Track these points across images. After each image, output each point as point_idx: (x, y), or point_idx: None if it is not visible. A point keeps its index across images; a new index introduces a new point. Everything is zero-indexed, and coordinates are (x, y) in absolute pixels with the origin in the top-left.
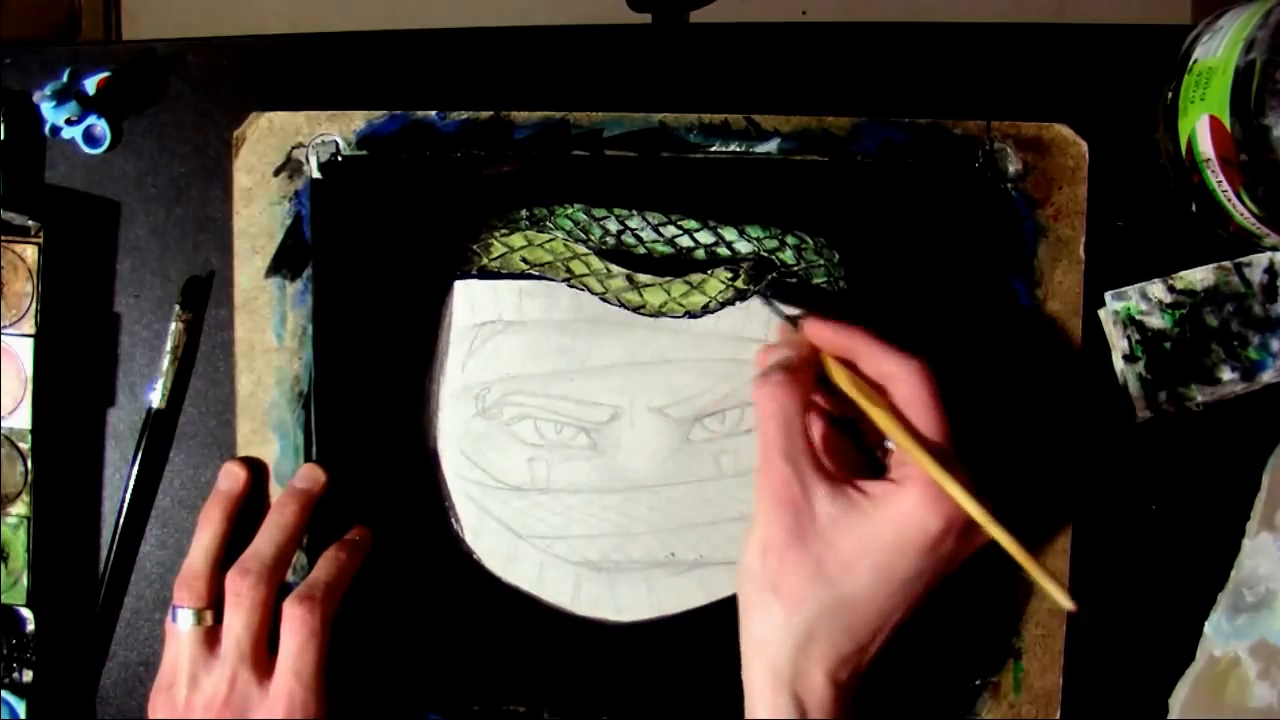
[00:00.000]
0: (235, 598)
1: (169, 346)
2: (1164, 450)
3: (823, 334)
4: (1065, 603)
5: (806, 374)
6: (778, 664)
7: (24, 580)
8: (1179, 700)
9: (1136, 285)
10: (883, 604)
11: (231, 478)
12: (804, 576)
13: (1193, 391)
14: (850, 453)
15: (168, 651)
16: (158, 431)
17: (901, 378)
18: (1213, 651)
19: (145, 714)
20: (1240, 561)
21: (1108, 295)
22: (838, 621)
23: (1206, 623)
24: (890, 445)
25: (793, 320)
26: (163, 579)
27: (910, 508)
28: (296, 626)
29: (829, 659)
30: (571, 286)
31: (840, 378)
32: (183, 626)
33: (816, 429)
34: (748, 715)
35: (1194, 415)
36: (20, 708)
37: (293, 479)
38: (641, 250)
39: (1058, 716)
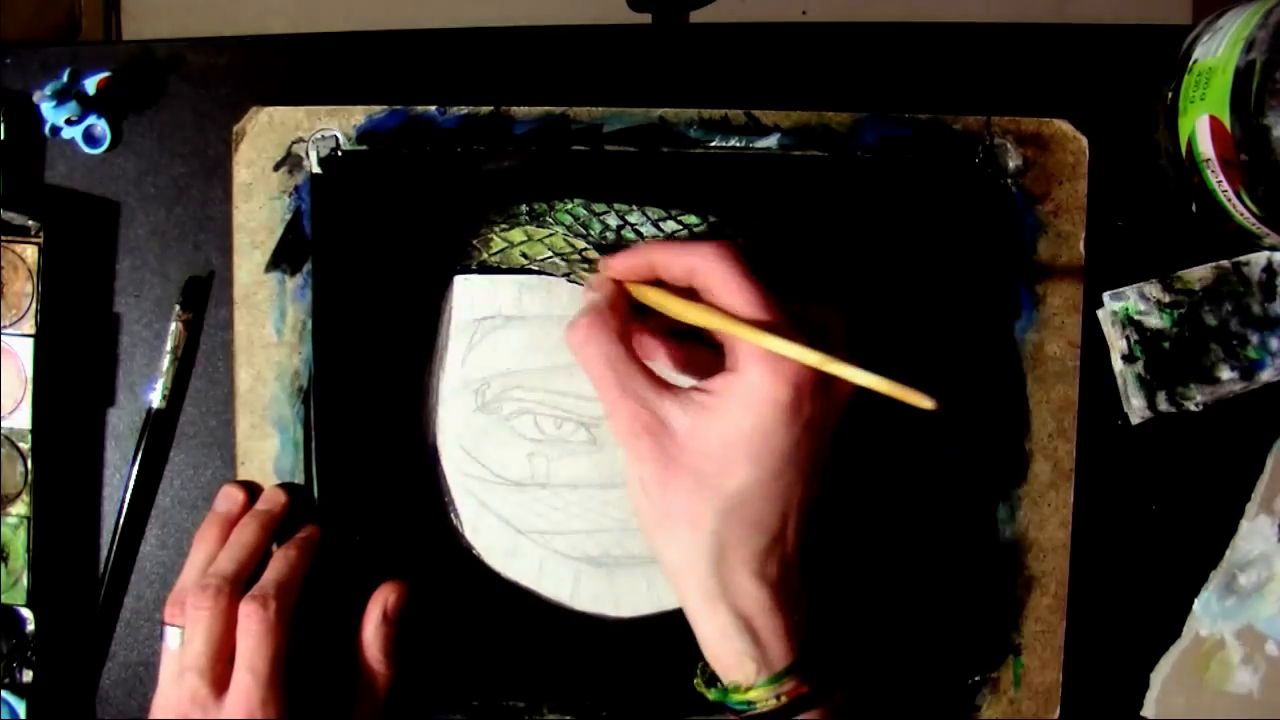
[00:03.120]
0: (195, 612)
1: (169, 346)
2: (1164, 450)
3: (618, 264)
4: (924, 402)
5: (616, 308)
6: (705, 585)
7: (24, 580)
8: (1160, 676)
9: (1134, 285)
10: (774, 487)
11: (229, 500)
12: (689, 493)
13: (1192, 391)
14: (705, 357)
15: (160, 673)
16: (158, 431)
17: (701, 267)
18: (1199, 630)
19: (146, 715)
20: (1235, 542)
21: (1106, 295)
22: (740, 521)
23: (1196, 600)
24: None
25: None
26: (163, 579)
27: (754, 386)
28: (249, 624)
29: (749, 560)
30: (571, 281)
31: (647, 297)
32: (171, 645)
33: (662, 352)
34: (702, 649)
35: (1193, 415)
36: (20, 708)
37: (257, 502)
38: None
39: (1057, 713)
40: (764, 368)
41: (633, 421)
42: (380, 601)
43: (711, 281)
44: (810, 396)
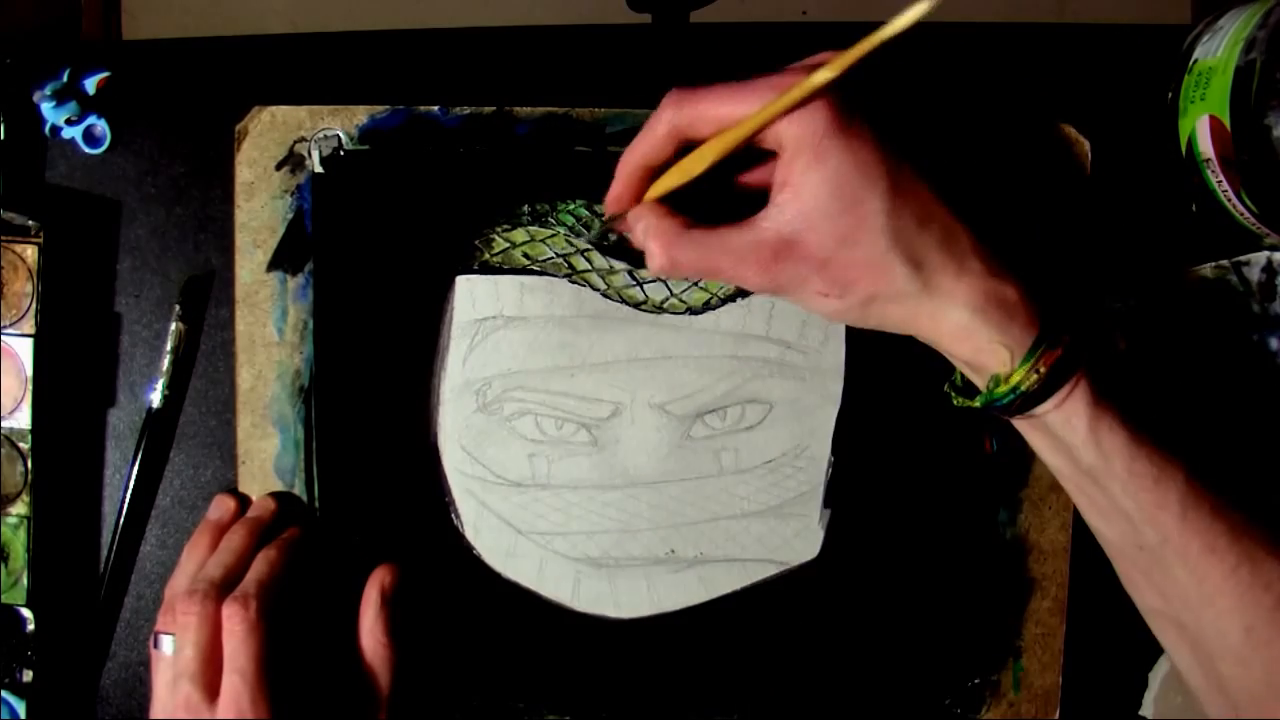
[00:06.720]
0: (184, 618)
1: (169, 346)
2: None
3: (620, 191)
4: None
5: (664, 214)
6: (923, 305)
7: (24, 580)
8: (1159, 674)
9: None
10: (899, 180)
11: (222, 508)
12: (846, 250)
13: None
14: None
15: (154, 680)
16: (158, 431)
17: (674, 119)
18: None
19: (145, 715)
20: None
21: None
22: (903, 227)
23: None
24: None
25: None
26: (163, 579)
27: (805, 139)
28: (233, 625)
29: (938, 253)
30: (573, 282)
31: (662, 187)
32: (165, 652)
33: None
34: (959, 365)
35: None
36: (20, 708)
37: (249, 510)
38: None
39: (1057, 715)
40: (795, 124)
41: (761, 271)
42: (377, 584)
43: (691, 119)
44: (834, 129)
